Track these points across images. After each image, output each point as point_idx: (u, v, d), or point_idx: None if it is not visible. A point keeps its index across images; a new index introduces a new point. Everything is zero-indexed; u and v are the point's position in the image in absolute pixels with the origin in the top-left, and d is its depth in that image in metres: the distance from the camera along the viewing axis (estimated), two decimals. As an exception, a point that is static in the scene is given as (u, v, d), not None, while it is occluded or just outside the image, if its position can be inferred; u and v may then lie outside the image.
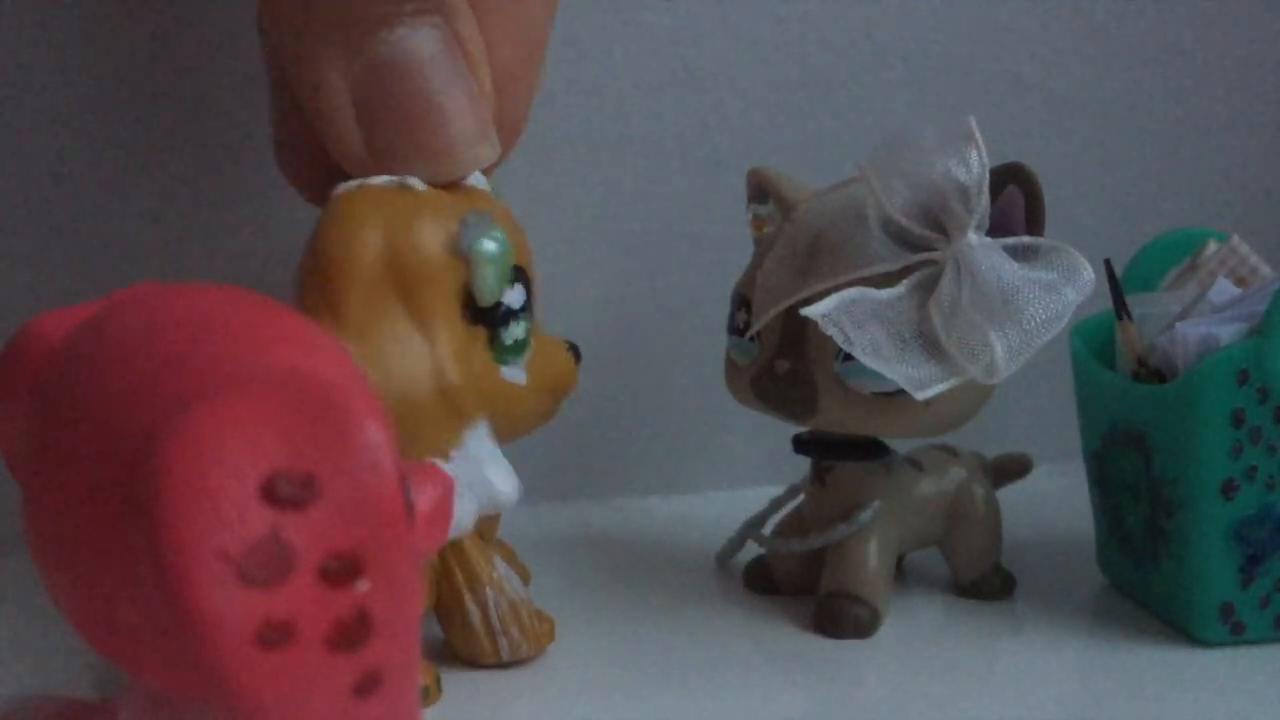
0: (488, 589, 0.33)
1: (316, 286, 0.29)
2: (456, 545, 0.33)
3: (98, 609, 0.20)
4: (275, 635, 0.17)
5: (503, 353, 0.31)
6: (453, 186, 0.32)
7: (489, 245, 0.30)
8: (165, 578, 0.17)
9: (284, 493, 0.18)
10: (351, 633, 0.18)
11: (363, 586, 0.18)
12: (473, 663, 0.33)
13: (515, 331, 0.31)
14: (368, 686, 0.19)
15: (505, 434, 0.32)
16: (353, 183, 0.31)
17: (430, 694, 0.32)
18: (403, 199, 0.30)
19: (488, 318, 0.31)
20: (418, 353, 0.29)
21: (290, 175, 0.36)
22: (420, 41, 0.30)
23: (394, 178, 0.31)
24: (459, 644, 0.33)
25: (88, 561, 0.19)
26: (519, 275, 0.31)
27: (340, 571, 0.18)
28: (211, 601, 0.17)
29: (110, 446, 0.19)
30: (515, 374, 0.32)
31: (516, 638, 0.33)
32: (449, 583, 0.33)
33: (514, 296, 0.31)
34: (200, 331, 0.20)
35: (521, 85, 0.35)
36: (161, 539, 0.17)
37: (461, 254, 0.30)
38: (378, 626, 0.18)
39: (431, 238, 0.30)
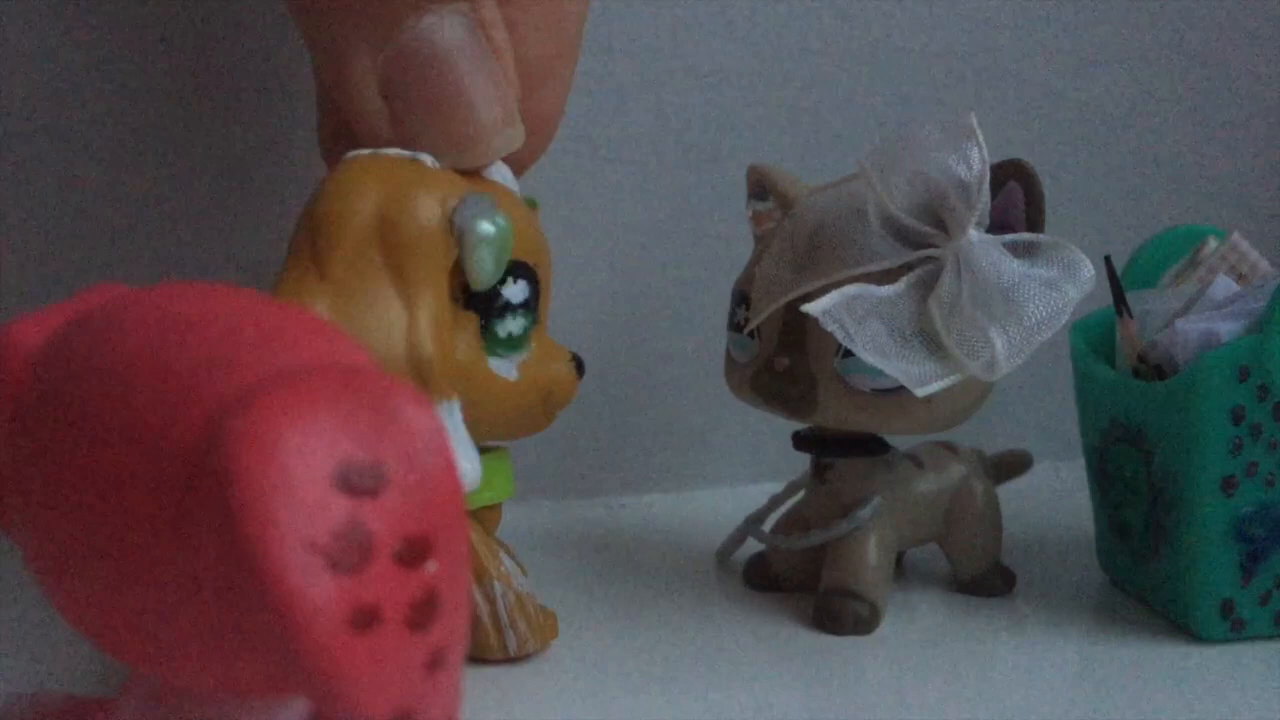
0: (496, 582, 0.33)
1: (306, 241, 0.29)
2: None
3: (140, 617, 0.20)
4: (365, 619, 0.18)
5: (494, 344, 0.31)
6: (476, 178, 0.32)
7: (485, 226, 0.29)
8: (256, 572, 0.17)
9: (357, 481, 0.18)
10: (424, 612, 0.19)
11: (432, 568, 0.19)
12: (479, 658, 0.33)
13: (511, 326, 0.31)
14: (436, 662, 0.19)
15: (487, 427, 0.31)
16: (365, 150, 0.31)
17: None
18: (408, 169, 0.30)
19: (481, 305, 0.31)
20: (395, 319, 0.29)
21: (331, 162, 0.36)
22: (448, 29, 0.31)
23: (407, 151, 0.31)
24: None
25: (130, 570, 0.19)
26: (524, 272, 0.31)
27: (412, 555, 0.19)
28: (306, 590, 0.17)
29: (155, 450, 0.19)
30: (505, 368, 0.31)
31: (524, 632, 0.33)
32: None
33: (515, 291, 0.31)
34: (232, 330, 0.20)
35: (556, 81, 0.35)
36: (249, 535, 0.17)
37: (456, 230, 0.29)
38: (444, 605, 0.19)
39: (427, 209, 0.29)
